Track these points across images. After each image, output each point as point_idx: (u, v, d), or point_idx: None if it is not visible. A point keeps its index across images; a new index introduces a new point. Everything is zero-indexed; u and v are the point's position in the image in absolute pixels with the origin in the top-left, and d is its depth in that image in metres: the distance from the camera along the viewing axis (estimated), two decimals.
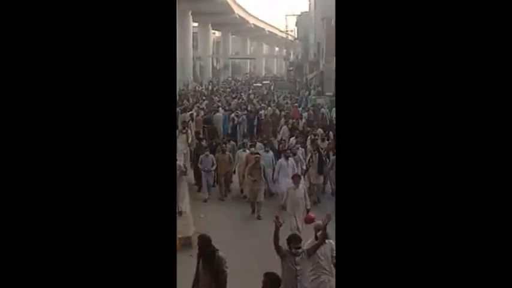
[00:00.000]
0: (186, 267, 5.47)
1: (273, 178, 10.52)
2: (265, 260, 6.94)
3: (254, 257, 7.67)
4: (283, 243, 5.29)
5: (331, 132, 13.50)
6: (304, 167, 10.84)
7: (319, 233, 5.48)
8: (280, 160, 10.47)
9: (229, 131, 16.18)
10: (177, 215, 8.98)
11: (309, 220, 7.41)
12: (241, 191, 11.14)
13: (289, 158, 10.43)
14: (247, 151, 11.18)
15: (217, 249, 5.10)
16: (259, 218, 9.80)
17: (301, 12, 47.76)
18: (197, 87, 35.87)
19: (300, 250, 5.19)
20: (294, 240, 5.28)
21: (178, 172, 9.07)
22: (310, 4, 41.43)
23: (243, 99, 24.91)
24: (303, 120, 17.37)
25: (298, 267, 5.11)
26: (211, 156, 11.01)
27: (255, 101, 23.91)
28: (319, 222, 5.68)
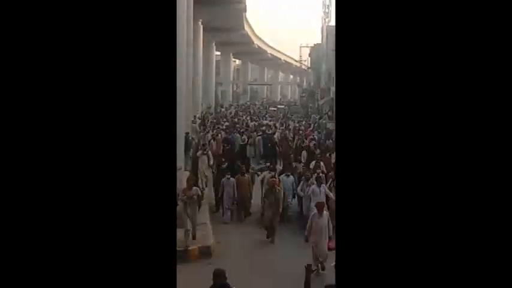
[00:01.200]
0: (205, 272, 5.25)
1: (301, 204, 9.78)
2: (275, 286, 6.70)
3: (264, 282, 7.16)
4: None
5: None
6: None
7: None
8: (313, 186, 9.35)
9: (239, 151, 15.45)
10: (197, 226, 8.70)
11: (330, 249, 7.02)
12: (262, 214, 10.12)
13: (322, 185, 9.35)
14: (269, 174, 10.42)
15: (231, 286, 4.75)
16: (272, 242, 9.04)
17: (314, 44, 47.44)
18: (219, 110, 35.85)
19: None
20: None
21: (195, 197, 8.63)
22: (322, 37, 41.26)
23: (260, 122, 24.67)
24: (314, 143, 16.68)
25: None
26: (232, 179, 10.38)
27: (271, 123, 23.61)
28: None
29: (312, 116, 30.93)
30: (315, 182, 9.48)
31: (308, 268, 4.67)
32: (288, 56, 68.38)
